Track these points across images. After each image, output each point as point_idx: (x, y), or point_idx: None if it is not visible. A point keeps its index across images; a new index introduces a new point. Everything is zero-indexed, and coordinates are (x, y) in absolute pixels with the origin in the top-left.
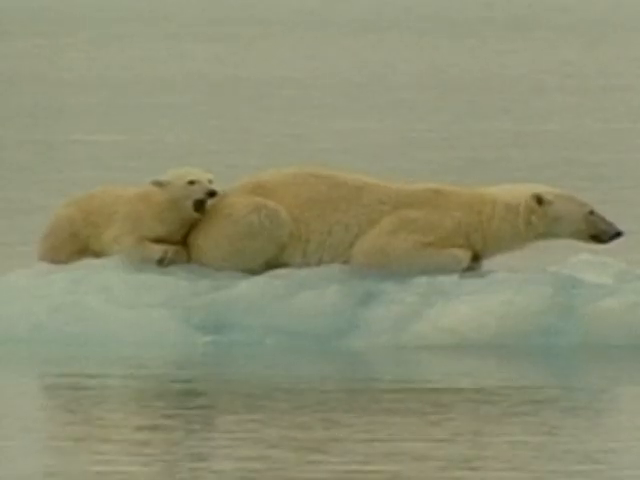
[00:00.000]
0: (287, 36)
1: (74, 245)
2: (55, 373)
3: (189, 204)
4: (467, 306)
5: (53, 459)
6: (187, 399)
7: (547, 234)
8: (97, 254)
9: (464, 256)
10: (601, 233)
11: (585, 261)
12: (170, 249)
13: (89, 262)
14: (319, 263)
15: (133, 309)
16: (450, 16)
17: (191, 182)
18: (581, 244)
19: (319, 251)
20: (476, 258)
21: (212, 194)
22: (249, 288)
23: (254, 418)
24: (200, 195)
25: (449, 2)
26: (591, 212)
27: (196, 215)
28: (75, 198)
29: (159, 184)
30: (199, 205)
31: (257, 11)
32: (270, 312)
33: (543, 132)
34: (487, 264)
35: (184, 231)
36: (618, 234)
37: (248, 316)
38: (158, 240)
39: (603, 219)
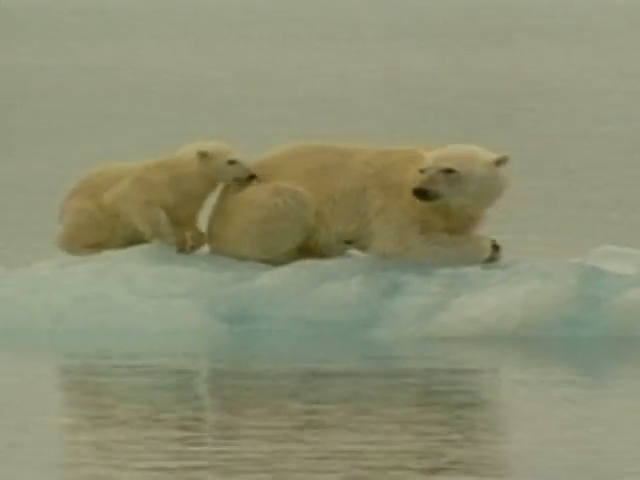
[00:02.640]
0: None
1: (94, 233)
2: (78, 364)
3: (226, 181)
4: (492, 297)
5: (74, 448)
6: (211, 390)
7: None
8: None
9: (487, 245)
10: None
11: (608, 252)
12: (188, 237)
13: (112, 253)
14: (341, 239)
15: (156, 300)
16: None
17: (231, 162)
18: (606, 235)
19: (335, 222)
20: (496, 248)
21: (252, 176)
22: (273, 279)
23: (278, 406)
24: (241, 174)
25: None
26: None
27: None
28: (76, 187)
29: (204, 154)
30: (236, 183)
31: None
32: (294, 303)
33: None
34: (509, 255)
35: (189, 210)
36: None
37: (272, 307)
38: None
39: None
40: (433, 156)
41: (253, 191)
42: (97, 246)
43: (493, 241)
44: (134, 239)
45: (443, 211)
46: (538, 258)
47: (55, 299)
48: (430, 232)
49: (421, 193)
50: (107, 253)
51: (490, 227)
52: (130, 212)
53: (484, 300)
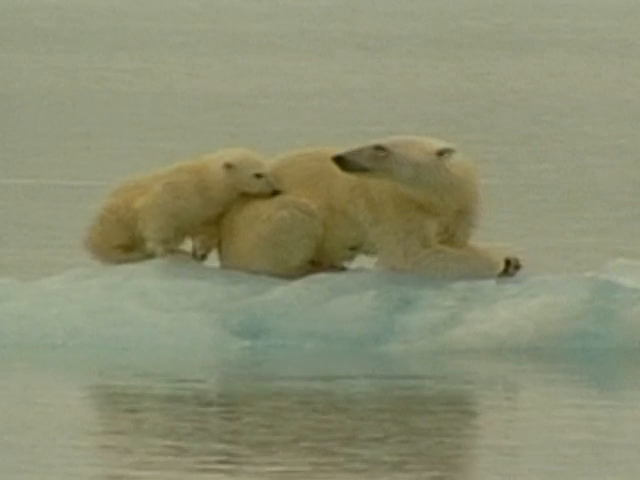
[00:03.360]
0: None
1: (122, 233)
2: (91, 378)
3: (250, 193)
4: (505, 310)
5: (90, 460)
6: (223, 404)
7: None
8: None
9: (498, 260)
10: None
11: (622, 265)
12: (196, 245)
13: (125, 268)
14: (345, 246)
15: (170, 313)
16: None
17: (258, 175)
18: (614, 249)
19: (336, 230)
20: (509, 262)
21: (276, 192)
22: (286, 293)
23: (290, 420)
24: (265, 189)
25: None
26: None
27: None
28: (115, 188)
29: (229, 166)
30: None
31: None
32: (307, 317)
33: None
34: (522, 269)
35: (209, 215)
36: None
37: (285, 321)
38: (192, 216)
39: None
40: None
41: (259, 204)
42: (125, 248)
43: (507, 257)
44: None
45: (425, 209)
46: (551, 271)
47: (69, 313)
48: (431, 241)
49: (340, 161)
50: (120, 267)
51: (511, 241)
52: (147, 223)
53: (497, 314)
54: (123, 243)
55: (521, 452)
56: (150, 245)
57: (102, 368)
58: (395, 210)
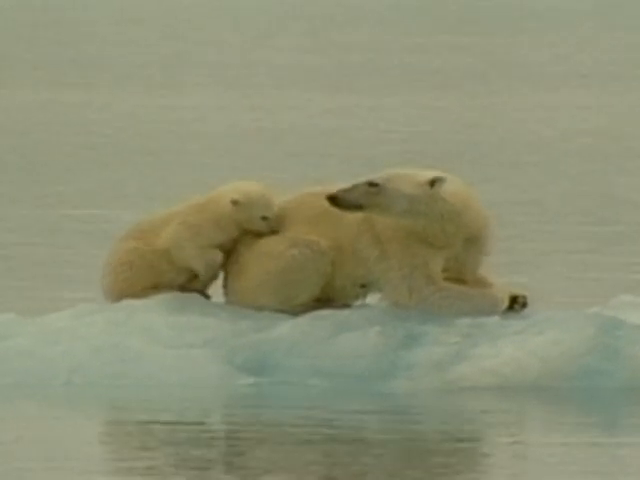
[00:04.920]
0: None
1: (149, 275)
2: (97, 415)
3: (252, 231)
4: (510, 347)
5: None
6: (228, 441)
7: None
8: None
9: (503, 298)
10: None
11: (627, 302)
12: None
13: (130, 303)
14: (355, 283)
15: (175, 350)
16: None
17: (264, 218)
18: (623, 285)
19: (345, 267)
20: (515, 299)
21: (274, 232)
22: (291, 329)
23: (294, 456)
24: (267, 230)
25: None
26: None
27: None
28: (127, 232)
29: (235, 203)
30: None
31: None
32: (312, 353)
33: None
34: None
35: (238, 235)
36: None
37: (290, 357)
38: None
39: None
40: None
41: (268, 242)
42: (150, 289)
43: (515, 294)
44: (186, 285)
45: (429, 242)
46: (556, 308)
47: (74, 349)
48: (436, 277)
49: (334, 200)
50: (125, 303)
51: (515, 277)
52: (187, 257)
53: (502, 350)
54: (148, 285)
55: None
56: (200, 271)
57: (107, 405)
58: (400, 245)
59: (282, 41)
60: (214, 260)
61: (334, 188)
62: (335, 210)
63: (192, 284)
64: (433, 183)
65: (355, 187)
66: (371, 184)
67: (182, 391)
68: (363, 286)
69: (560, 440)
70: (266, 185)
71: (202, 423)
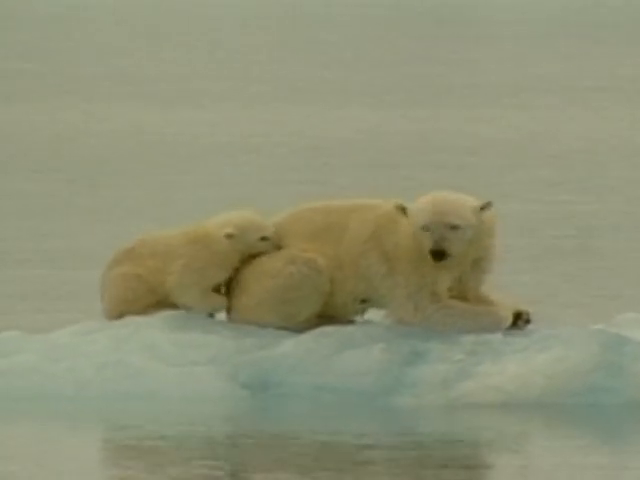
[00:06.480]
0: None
1: (150, 298)
2: (100, 431)
3: (254, 253)
4: (514, 364)
5: None
6: (232, 458)
7: None
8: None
9: (506, 315)
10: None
11: (631, 319)
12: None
13: (133, 320)
14: (356, 299)
15: (178, 367)
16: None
17: (264, 238)
18: (627, 301)
19: (346, 284)
20: (519, 316)
21: (278, 247)
22: (295, 346)
23: (299, 474)
24: (268, 249)
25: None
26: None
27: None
28: (116, 258)
29: (230, 236)
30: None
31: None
32: (316, 370)
33: None
34: (532, 323)
35: (227, 274)
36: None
37: (294, 374)
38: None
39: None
40: (430, 210)
41: (267, 259)
42: (153, 307)
43: (518, 310)
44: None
45: (441, 264)
46: (561, 325)
47: (78, 366)
48: (441, 296)
49: (439, 255)
50: (129, 319)
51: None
52: (192, 302)
53: (506, 367)
54: (150, 304)
55: None
56: (187, 291)
57: (111, 422)
58: (409, 264)
59: (295, 55)
60: (220, 305)
61: (334, 203)
62: (336, 226)
63: None
64: (483, 209)
65: (443, 236)
66: (453, 227)
67: (186, 408)
68: (364, 301)
69: (565, 459)
70: (252, 210)
71: (206, 440)
